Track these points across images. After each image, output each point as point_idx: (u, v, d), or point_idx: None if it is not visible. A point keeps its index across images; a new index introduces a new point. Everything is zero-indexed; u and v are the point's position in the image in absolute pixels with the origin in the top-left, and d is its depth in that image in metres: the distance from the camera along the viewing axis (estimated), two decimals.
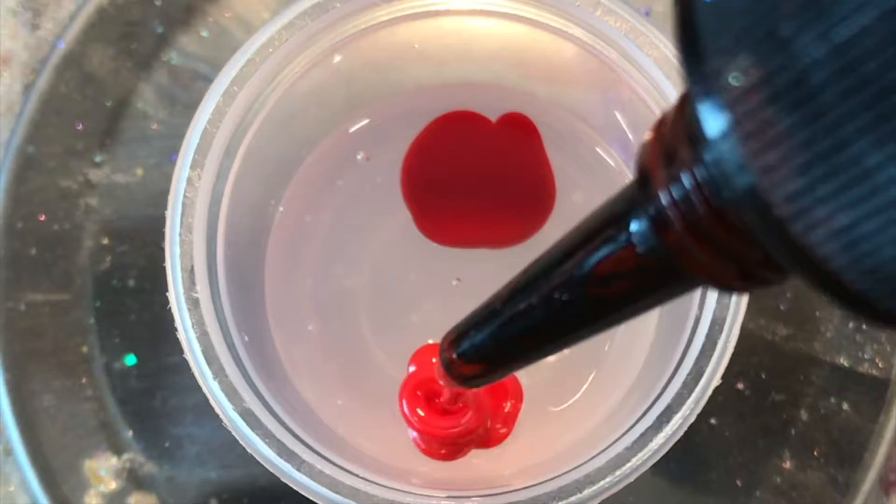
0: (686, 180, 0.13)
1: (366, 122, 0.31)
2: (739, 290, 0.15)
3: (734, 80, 0.11)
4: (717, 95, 0.11)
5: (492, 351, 0.20)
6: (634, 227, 0.15)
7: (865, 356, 0.33)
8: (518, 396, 0.29)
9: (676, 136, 0.14)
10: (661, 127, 0.15)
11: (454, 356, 0.21)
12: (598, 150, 0.30)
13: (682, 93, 0.14)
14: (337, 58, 0.28)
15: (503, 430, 0.29)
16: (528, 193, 0.30)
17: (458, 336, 0.21)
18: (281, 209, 0.30)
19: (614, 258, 0.16)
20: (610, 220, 0.16)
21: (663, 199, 0.14)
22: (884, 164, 0.10)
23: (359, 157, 0.30)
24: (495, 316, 0.19)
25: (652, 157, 0.14)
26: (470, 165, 0.31)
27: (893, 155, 0.10)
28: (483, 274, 0.29)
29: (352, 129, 0.31)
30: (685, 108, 0.14)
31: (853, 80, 0.10)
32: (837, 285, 0.11)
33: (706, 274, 0.14)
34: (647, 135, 0.15)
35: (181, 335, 0.24)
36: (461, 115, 0.31)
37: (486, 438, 0.29)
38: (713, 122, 0.11)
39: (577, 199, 0.30)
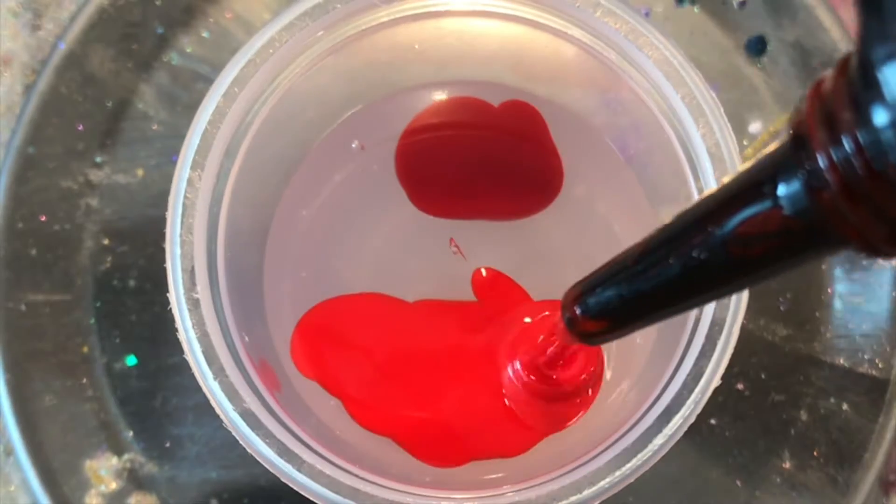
0: (847, 143, 0.13)
1: (360, 111, 0.31)
2: (887, 253, 0.15)
3: None
4: None
5: (618, 308, 0.20)
6: (784, 188, 0.15)
7: (865, 356, 0.33)
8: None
9: (838, 98, 0.14)
10: (819, 89, 0.14)
11: (578, 312, 0.21)
12: (606, 139, 0.30)
13: (843, 56, 0.14)
14: (337, 59, 0.28)
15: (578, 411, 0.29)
16: (533, 169, 0.30)
17: (583, 292, 0.20)
18: (278, 207, 0.30)
19: (760, 218, 0.16)
20: (757, 180, 0.16)
21: (821, 161, 0.14)
22: None
23: (353, 145, 0.30)
24: (625, 272, 0.19)
25: (810, 120, 0.14)
26: (470, 143, 0.31)
27: None
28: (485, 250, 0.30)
29: (345, 119, 0.31)
30: (848, 70, 0.14)
31: None
32: None
33: (857, 236, 0.14)
34: (804, 98, 0.15)
35: (181, 335, 0.24)
36: (462, 99, 0.31)
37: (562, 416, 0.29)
38: (894, 82, 0.11)
39: (580, 183, 0.30)
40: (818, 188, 0.14)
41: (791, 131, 0.15)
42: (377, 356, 0.29)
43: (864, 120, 0.13)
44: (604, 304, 0.20)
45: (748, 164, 0.16)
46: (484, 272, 0.30)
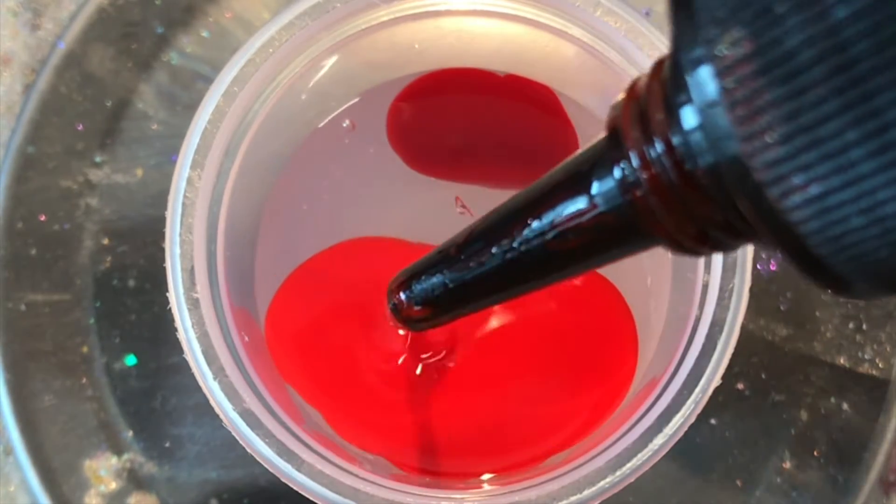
0: (659, 143, 0.14)
1: (355, 101, 0.30)
2: (693, 252, 0.15)
3: (727, 49, 0.11)
4: (709, 63, 0.12)
5: (441, 295, 0.20)
6: (599, 185, 0.16)
7: (865, 356, 0.33)
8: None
9: (652, 100, 0.14)
10: (635, 90, 0.15)
11: (402, 298, 0.21)
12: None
13: (658, 58, 0.15)
14: (337, 58, 0.28)
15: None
16: (543, 136, 0.30)
17: (408, 279, 0.21)
18: (269, 201, 0.30)
19: (576, 214, 0.16)
20: (575, 176, 0.16)
21: (634, 160, 0.15)
22: (862, 140, 0.11)
23: (344, 124, 0.30)
24: (449, 261, 0.20)
25: (625, 119, 0.15)
26: (473, 109, 0.30)
27: (871, 132, 0.11)
28: None
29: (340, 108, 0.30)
30: (662, 73, 0.14)
31: (842, 59, 0.10)
32: (802, 250, 0.12)
33: (666, 234, 0.15)
34: (620, 96, 0.15)
35: (181, 335, 0.24)
36: (462, 70, 0.30)
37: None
38: (703, 87, 0.12)
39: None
40: (630, 185, 0.15)
41: (607, 128, 0.15)
42: (354, 346, 0.29)
43: (675, 122, 0.13)
44: (428, 292, 0.20)
45: (569, 158, 0.17)
46: None
